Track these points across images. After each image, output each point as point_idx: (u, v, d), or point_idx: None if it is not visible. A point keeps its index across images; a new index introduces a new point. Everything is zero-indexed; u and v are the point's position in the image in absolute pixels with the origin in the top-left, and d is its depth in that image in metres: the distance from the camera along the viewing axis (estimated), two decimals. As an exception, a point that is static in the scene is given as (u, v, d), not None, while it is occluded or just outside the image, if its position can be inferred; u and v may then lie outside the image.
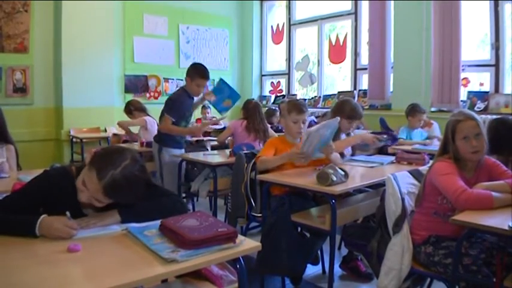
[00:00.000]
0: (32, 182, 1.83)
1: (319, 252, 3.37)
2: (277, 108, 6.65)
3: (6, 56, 6.29)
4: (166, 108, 4.16)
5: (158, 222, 1.64)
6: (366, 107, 6.64)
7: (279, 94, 8.55)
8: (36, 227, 1.59)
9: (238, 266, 1.58)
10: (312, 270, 3.40)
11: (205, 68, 4.25)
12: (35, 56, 6.50)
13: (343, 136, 3.71)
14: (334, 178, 2.67)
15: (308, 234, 3.15)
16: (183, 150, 4.30)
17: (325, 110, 6.94)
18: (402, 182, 2.44)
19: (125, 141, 5.42)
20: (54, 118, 6.47)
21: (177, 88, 4.63)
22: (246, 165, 3.23)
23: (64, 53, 6.44)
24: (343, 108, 3.67)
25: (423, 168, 2.61)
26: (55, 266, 1.41)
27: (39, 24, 6.53)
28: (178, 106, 4.13)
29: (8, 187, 2.32)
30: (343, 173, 2.76)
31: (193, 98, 4.28)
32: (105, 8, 6.78)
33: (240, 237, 1.55)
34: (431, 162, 2.52)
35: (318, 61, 7.95)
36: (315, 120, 5.94)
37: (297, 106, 3.21)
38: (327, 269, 3.41)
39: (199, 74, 4.18)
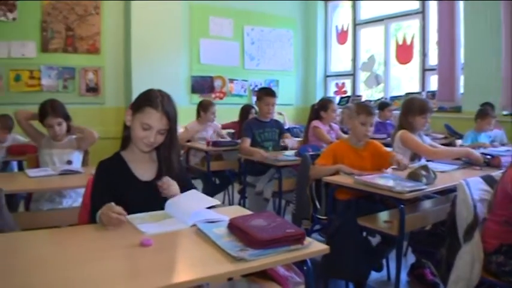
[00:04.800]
0: (94, 176, 2.02)
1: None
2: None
3: (79, 56, 6.59)
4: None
5: (227, 220, 1.67)
6: (435, 109, 6.43)
7: (343, 95, 8.45)
8: (97, 220, 1.77)
9: (305, 268, 1.57)
10: (376, 276, 3.34)
11: (269, 88, 4.75)
12: (106, 57, 6.77)
13: (426, 138, 3.68)
14: (425, 180, 2.66)
15: (372, 239, 3.11)
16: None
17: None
18: (474, 188, 2.35)
19: (189, 141, 5.50)
20: (124, 117, 6.62)
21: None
22: (311, 167, 3.22)
23: (133, 54, 6.66)
24: (412, 105, 3.58)
25: (496, 174, 2.51)
26: (127, 259, 1.47)
27: (109, 27, 6.80)
28: (245, 127, 4.52)
29: (83, 182, 2.42)
30: (433, 176, 2.73)
31: (264, 122, 4.51)
32: (173, 10, 6.94)
33: (308, 239, 1.54)
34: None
35: (384, 61, 7.80)
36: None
37: (366, 108, 3.21)
38: (391, 275, 3.34)
39: (264, 91, 4.60)
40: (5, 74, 6.15)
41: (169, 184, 1.95)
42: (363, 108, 3.21)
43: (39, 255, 1.52)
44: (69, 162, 3.37)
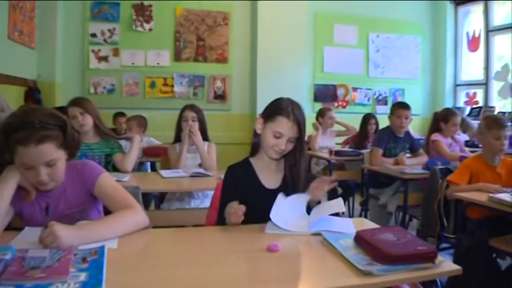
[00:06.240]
0: (223, 181, 2.12)
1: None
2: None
3: (209, 65, 6.93)
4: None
5: (353, 232, 1.65)
6: None
7: (474, 106, 7.95)
8: (226, 220, 1.87)
9: (434, 288, 1.52)
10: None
11: (404, 102, 4.62)
12: (233, 66, 7.04)
13: None
14: None
15: (501, 262, 2.90)
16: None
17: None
18: None
19: (309, 149, 5.53)
20: (248, 124, 6.87)
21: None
22: (440, 181, 3.08)
23: (259, 63, 6.84)
24: None
25: None
26: (251, 264, 1.51)
27: (237, 37, 7.06)
28: (379, 136, 4.43)
29: (212, 185, 2.54)
30: None
31: (398, 137, 4.38)
32: (298, 20, 7.01)
33: (439, 258, 1.47)
34: None
35: (520, 71, 7.21)
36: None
37: (497, 121, 3.01)
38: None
39: (397, 104, 4.50)
40: (142, 80, 6.63)
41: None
42: (494, 121, 3.01)
43: (166, 252, 1.64)
44: (201, 165, 3.56)
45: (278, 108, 1.99)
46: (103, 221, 1.78)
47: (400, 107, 4.31)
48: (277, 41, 6.82)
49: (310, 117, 5.71)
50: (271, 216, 1.80)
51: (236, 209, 1.80)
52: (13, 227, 1.79)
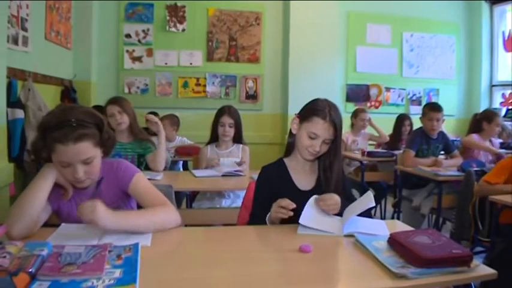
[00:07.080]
0: (257, 181, 2.12)
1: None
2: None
3: (240, 65, 6.94)
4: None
5: (386, 234, 1.63)
6: None
7: (511, 107, 7.76)
8: (267, 220, 1.91)
9: (468, 292, 1.48)
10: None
11: (436, 103, 4.50)
12: (265, 65, 7.03)
13: None
14: None
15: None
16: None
17: None
18: None
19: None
20: (280, 124, 6.88)
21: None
22: (475, 183, 3.02)
23: (291, 63, 6.81)
24: None
25: None
26: (286, 263, 1.51)
27: (269, 37, 7.05)
28: (413, 138, 4.33)
29: (244, 185, 2.55)
30: None
31: (430, 138, 4.28)
32: (330, 20, 6.95)
33: (475, 262, 1.44)
34: None
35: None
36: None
37: None
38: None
39: (428, 105, 4.38)
40: (174, 80, 6.70)
41: (330, 201, 1.89)
42: None
43: (199, 251, 1.66)
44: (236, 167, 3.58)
45: (314, 109, 1.98)
46: (137, 212, 1.86)
47: (431, 109, 4.22)
48: (309, 40, 6.79)
49: (343, 118, 5.70)
50: (300, 220, 1.79)
51: (288, 204, 1.80)
52: (50, 224, 1.84)
